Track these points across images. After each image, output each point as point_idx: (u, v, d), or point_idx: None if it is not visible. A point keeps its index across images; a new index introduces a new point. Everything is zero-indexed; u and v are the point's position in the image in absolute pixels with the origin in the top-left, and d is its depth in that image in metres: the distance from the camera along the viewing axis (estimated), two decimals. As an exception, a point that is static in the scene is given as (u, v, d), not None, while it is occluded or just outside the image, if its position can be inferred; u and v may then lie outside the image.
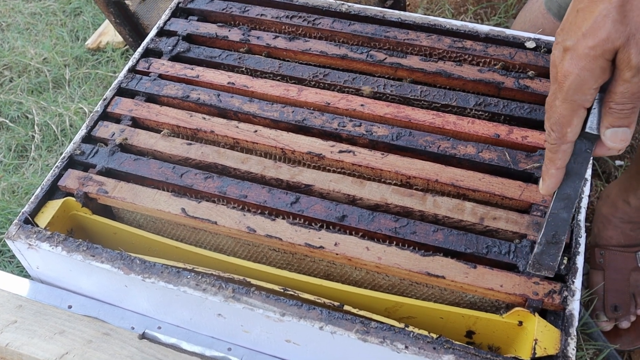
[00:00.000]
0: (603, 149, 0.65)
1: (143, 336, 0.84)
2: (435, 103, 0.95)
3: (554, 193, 0.68)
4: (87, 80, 1.90)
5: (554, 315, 0.75)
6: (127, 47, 1.86)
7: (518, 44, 1.01)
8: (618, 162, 1.67)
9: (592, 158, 0.67)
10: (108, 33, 1.97)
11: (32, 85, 1.89)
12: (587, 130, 0.63)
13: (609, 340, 1.39)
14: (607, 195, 1.44)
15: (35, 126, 1.77)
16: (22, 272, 1.35)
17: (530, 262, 0.72)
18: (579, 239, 0.79)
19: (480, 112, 0.94)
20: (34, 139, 1.75)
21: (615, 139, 0.62)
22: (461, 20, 1.90)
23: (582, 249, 0.78)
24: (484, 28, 1.03)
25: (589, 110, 0.63)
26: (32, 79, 1.90)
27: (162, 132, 0.93)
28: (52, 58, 1.94)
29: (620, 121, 0.61)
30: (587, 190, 0.83)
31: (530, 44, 1.00)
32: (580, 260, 0.77)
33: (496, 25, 1.90)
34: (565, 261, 0.77)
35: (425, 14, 1.96)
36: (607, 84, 0.61)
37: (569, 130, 0.63)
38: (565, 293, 0.75)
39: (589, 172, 0.86)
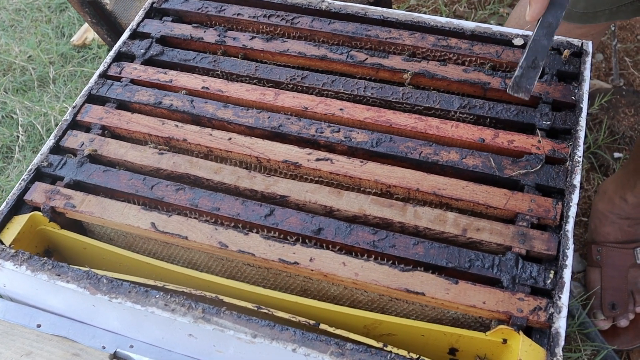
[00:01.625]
0: None
1: (114, 356, 0.81)
2: (417, 106, 0.91)
3: (538, 21, 0.75)
4: (72, 78, 1.86)
5: (540, 333, 0.71)
6: (112, 43, 1.82)
7: (505, 42, 0.97)
8: (617, 155, 1.63)
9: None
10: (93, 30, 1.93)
11: (17, 84, 1.85)
12: None
13: (607, 339, 1.36)
14: (604, 191, 1.40)
15: (20, 127, 1.74)
16: None
17: (510, 84, 0.78)
18: (566, 250, 0.75)
19: (464, 115, 0.90)
20: (18, 139, 1.72)
21: None
22: (454, 9, 1.85)
23: (569, 261, 0.74)
24: (469, 25, 0.99)
25: None
26: (16, 77, 1.87)
27: (148, 145, 0.89)
28: (37, 56, 1.91)
29: None
30: (575, 198, 0.79)
31: (518, 41, 0.96)
32: (567, 274, 0.73)
33: (491, 14, 1.86)
34: (551, 275, 0.74)
35: (418, 3, 1.91)
36: None
37: None
38: (552, 310, 0.71)
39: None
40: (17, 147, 1.70)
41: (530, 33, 0.95)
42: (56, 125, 1.72)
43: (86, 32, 1.94)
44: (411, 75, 0.93)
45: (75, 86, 1.83)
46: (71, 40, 1.94)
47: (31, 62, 1.90)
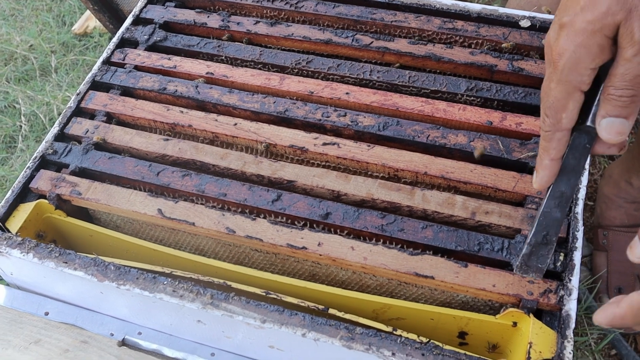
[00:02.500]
0: (603, 145, 0.59)
1: (123, 343, 0.80)
2: (424, 89, 0.90)
3: (548, 189, 0.63)
4: (74, 67, 1.85)
5: (550, 315, 0.71)
6: (114, 31, 1.81)
7: (512, 24, 0.96)
8: (622, 138, 1.61)
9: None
10: (94, 18, 1.92)
11: (18, 74, 1.84)
12: (588, 124, 0.57)
13: (614, 324, 1.35)
14: (610, 175, 1.39)
15: (22, 116, 1.73)
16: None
17: (517, 263, 0.67)
18: (576, 233, 0.75)
19: (472, 98, 0.89)
20: (21, 129, 1.71)
21: (610, 131, 0.56)
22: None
23: (579, 244, 0.74)
24: (475, 7, 0.97)
25: (591, 102, 0.57)
26: (18, 67, 1.86)
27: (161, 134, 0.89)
28: (39, 45, 1.89)
29: (618, 110, 0.55)
30: (584, 180, 0.79)
31: (525, 23, 0.95)
32: (577, 257, 0.73)
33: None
34: (561, 257, 0.73)
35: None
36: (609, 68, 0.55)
37: (564, 116, 0.58)
38: (562, 292, 0.71)
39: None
40: (20, 136, 1.69)
41: (539, 15, 0.94)
42: (59, 114, 1.72)
43: (87, 21, 1.92)
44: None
45: (77, 75, 1.82)
46: (72, 28, 1.93)
47: (32, 51, 1.89)
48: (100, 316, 0.83)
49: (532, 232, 0.64)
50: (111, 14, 1.31)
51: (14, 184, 0.85)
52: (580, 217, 0.76)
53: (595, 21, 0.53)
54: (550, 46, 0.58)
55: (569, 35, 0.55)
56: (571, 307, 0.70)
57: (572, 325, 0.69)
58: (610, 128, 0.56)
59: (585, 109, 0.57)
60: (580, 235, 0.74)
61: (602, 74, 0.55)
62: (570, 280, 0.71)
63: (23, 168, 1.60)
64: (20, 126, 1.71)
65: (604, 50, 0.54)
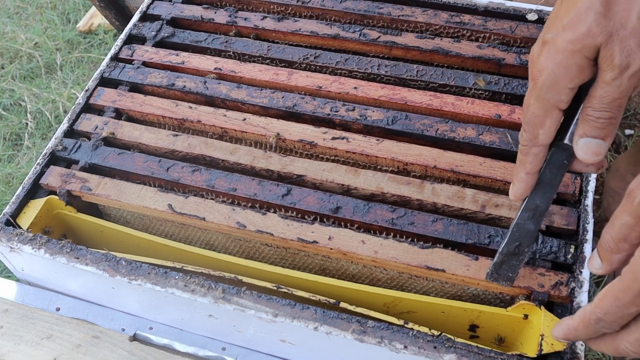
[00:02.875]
0: (580, 164, 0.59)
1: (134, 338, 0.81)
2: (432, 83, 0.90)
3: (523, 201, 0.63)
4: (79, 64, 1.85)
5: (561, 307, 0.71)
6: (119, 28, 1.82)
7: (519, 17, 0.96)
8: (628, 132, 1.62)
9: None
10: (99, 15, 1.92)
11: (24, 72, 1.85)
12: (566, 141, 0.57)
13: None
14: (617, 169, 1.39)
15: (29, 114, 1.73)
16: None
17: (488, 270, 0.68)
18: (586, 225, 0.75)
19: (480, 92, 0.89)
20: (27, 127, 1.72)
21: (587, 151, 0.55)
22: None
23: (589, 236, 0.74)
24: (482, 1, 0.98)
25: (571, 119, 0.57)
26: (23, 65, 1.86)
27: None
28: (44, 42, 1.90)
29: (596, 131, 0.54)
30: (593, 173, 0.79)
31: (532, 17, 0.95)
32: (588, 249, 0.73)
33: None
34: (572, 250, 0.73)
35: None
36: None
37: (541, 132, 0.57)
38: (573, 284, 0.71)
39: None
40: (26, 134, 1.70)
41: (546, 8, 0.94)
42: (64, 111, 1.72)
43: (92, 18, 1.93)
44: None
45: (82, 72, 1.82)
46: (77, 26, 1.93)
47: (37, 49, 1.89)
48: (111, 311, 0.83)
49: (505, 242, 0.65)
50: (117, 10, 1.31)
51: (24, 180, 0.85)
52: (590, 209, 0.76)
53: (576, 41, 0.52)
54: (532, 61, 0.58)
55: (550, 53, 0.55)
56: (582, 299, 0.70)
57: (584, 317, 0.69)
58: (587, 148, 0.56)
59: (565, 126, 0.57)
60: (590, 227, 0.74)
61: (582, 93, 0.55)
62: (581, 272, 0.72)
63: (29, 165, 1.60)
64: (26, 124, 1.72)
65: (583, 70, 0.53)
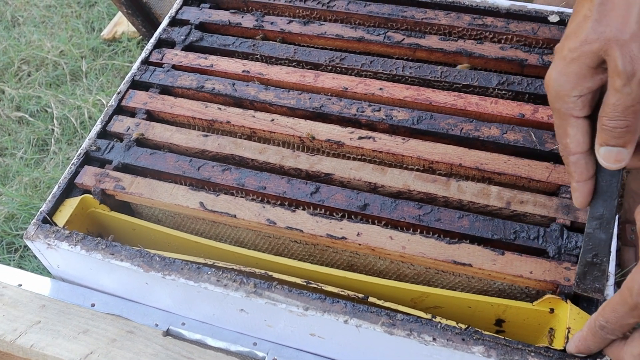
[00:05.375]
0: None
1: (167, 333, 0.83)
2: (456, 84, 0.92)
3: (588, 210, 0.63)
4: (104, 71, 1.89)
5: (587, 301, 0.72)
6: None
7: (541, 19, 0.97)
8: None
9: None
10: (123, 23, 1.96)
11: (50, 79, 1.88)
12: None
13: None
14: (638, 170, 1.40)
15: (55, 120, 1.77)
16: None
17: (574, 282, 0.69)
18: (611, 221, 0.76)
19: (503, 92, 0.91)
20: (53, 132, 1.75)
21: (609, 158, 0.56)
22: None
23: (614, 230, 0.75)
24: (504, 3, 0.99)
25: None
26: (49, 72, 1.90)
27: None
28: (69, 50, 1.94)
29: (614, 140, 0.55)
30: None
31: (554, 18, 0.96)
32: (613, 244, 0.74)
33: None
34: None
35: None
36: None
37: (569, 141, 0.58)
38: (598, 278, 0.72)
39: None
40: (52, 139, 1.73)
41: (567, 10, 0.95)
42: (89, 118, 1.76)
43: (116, 26, 1.97)
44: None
45: (106, 79, 1.86)
46: (101, 34, 1.97)
47: (63, 56, 1.93)
48: (144, 307, 0.86)
49: (581, 252, 0.66)
50: (144, 17, 1.35)
51: (59, 179, 0.88)
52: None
53: (574, 49, 0.53)
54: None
55: (555, 62, 0.56)
56: (608, 292, 0.71)
57: (610, 310, 0.70)
58: (608, 156, 0.56)
59: None
60: (615, 223, 0.75)
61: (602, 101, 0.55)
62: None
63: (56, 170, 1.64)
64: (53, 129, 1.76)
65: (585, 78, 0.54)
